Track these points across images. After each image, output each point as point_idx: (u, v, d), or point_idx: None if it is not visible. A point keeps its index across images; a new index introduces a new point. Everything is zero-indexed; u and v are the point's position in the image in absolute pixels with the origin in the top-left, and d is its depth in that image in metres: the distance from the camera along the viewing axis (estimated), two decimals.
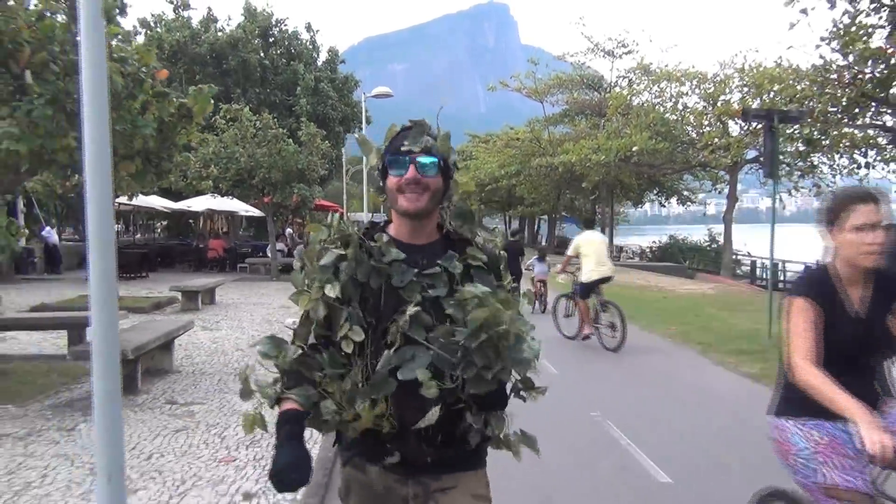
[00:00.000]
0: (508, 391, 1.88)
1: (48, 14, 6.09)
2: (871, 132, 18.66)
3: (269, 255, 21.84)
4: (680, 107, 27.99)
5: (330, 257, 1.83)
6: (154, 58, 6.34)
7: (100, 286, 2.67)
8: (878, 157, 21.44)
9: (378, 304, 1.82)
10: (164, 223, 38.12)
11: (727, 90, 25.94)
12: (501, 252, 2.00)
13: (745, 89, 25.04)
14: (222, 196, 21.94)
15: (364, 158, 1.97)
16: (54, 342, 9.45)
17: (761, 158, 27.84)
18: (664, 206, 44.04)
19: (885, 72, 15.20)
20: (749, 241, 43.04)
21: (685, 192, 39.90)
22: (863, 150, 20.42)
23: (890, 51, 14.41)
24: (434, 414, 1.71)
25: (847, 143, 20.01)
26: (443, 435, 1.81)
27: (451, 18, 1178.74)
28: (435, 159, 1.84)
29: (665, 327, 11.69)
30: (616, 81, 37.55)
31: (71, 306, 12.32)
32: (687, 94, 27.89)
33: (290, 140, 20.67)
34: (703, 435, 5.81)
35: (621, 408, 6.52)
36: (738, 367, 8.49)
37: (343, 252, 1.83)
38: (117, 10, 6.34)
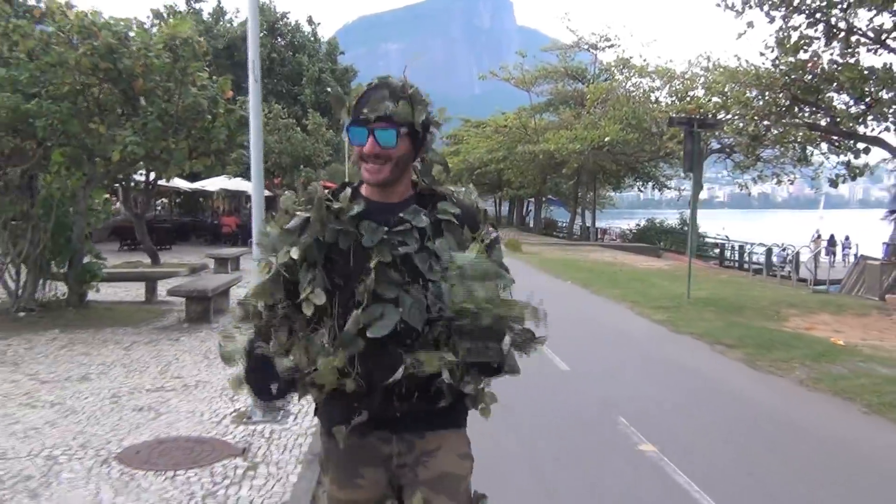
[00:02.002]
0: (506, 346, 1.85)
1: (152, 55, 8.67)
2: (806, 131, 21.23)
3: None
4: (652, 100, 30.63)
5: (295, 221, 1.82)
6: (229, 85, 8.98)
7: (258, 231, 5.40)
8: (830, 151, 24.03)
9: (347, 264, 1.80)
10: (164, 201, 40.71)
11: (694, 87, 28.60)
12: (479, 204, 1.97)
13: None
14: (234, 177, 24.54)
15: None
16: (125, 294, 12.10)
17: (727, 149, 30.70)
18: (642, 192, 46.67)
19: (812, 81, 17.85)
20: (728, 226, 45.94)
21: (661, 178, 42.58)
22: (803, 145, 23.09)
23: (810, 65, 17.07)
24: (405, 368, 1.72)
25: (790, 139, 22.68)
26: (415, 390, 1.78)
27: None
28: (394, 130, 1.76)
29: (610, 291, 14.44)
30: (598, 73, 40.13)
31: (125, 268, 14.96)
32: (659, 88, 30.55)
33: (298, 128, 23.28)
34: (601, 348, 8.57)
35: (552, 336, 9.19)
36: (651, 316, 11.24)
37: (307, 216, 1.81)
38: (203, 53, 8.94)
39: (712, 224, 46.57)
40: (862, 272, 18.02)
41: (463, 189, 1.98)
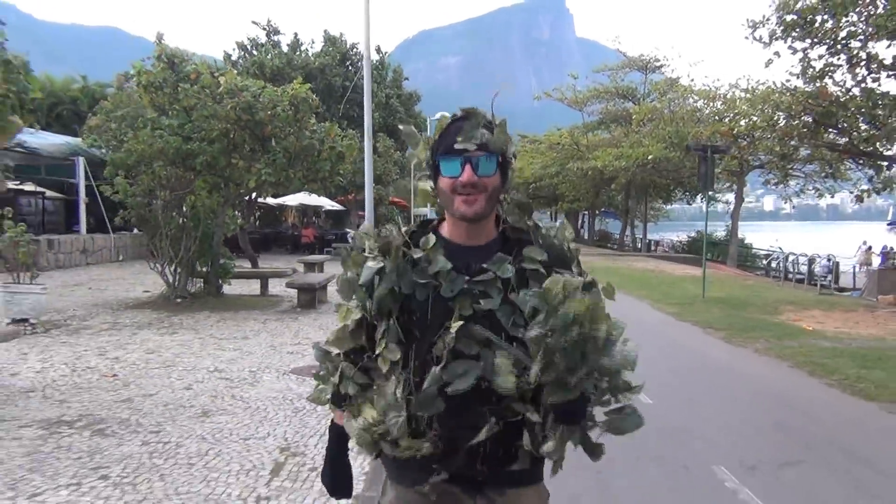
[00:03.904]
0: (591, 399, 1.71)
1: (279, 108, 11.67)
2: (829, 151, 23.16)
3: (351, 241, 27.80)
4: (695, 120, 32.80)
5: (367, 273, 1.71)
6: (336, 129, 11.97)
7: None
8: (863, 167, 25.82)
9: (425, 315, 1.68)
10: (237, 213, 44.61)
11: (733, 108, 30.67)
12: (570, 246, 1.82)
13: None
14: (312, 193, 27.85)
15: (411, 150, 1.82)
16: (240, 289, 15.16)
17: (766, 164, 32.54)
18: (690, 204, 48.44)
19: (828, 106, 19.86)
20: (790, 238, 47.28)
21: (710, 192, 44.27)
22: (830, 162, 25.04)
23: (822, 93, 19.15)
24: (490, 428, 1.64)
25: (818, 157, 24.72)
26: (500, 450, 1.70)
27: (507, 11, 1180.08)
28: (492, 157, 1.68)
29: (638, 291, 16.89)
30: (648, 93, 42.33)
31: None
32: (701, 109, 32.69)
33: None
34: None
35: None
36: (665, 310, 13.70)
37: (381, 265, 1.70)
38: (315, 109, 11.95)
39: (769, 236, 47.95)
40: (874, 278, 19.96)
41: (556, 224, 1.86)
